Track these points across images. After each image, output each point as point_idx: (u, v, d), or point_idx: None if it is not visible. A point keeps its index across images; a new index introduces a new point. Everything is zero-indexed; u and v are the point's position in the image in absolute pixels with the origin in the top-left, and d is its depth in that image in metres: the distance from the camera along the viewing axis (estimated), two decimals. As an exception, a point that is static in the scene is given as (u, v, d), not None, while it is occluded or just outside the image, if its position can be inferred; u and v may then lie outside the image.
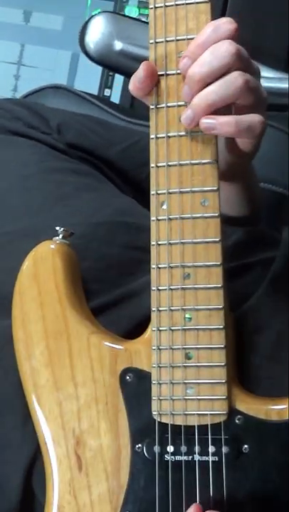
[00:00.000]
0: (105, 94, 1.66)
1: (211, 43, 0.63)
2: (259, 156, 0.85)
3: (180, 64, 0.65)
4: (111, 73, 1.65)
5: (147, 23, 1.46)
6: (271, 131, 1.17)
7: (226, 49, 0.63)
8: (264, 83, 1.25)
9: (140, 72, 0.66)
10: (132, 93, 0.67)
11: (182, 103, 0.66)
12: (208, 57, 0.63)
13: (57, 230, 0.74)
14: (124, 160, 0.96)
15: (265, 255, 0.80)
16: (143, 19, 1.63)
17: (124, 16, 1.47)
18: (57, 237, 0.74)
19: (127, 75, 1.39)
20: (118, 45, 1.26)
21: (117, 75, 1.65)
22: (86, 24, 1.28)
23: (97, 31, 1.27)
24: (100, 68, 1.61)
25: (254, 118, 0.65)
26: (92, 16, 1.27)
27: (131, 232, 0.84)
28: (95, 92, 1.65)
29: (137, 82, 0.66)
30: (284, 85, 1.23)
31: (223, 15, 1.44)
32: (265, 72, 1.27)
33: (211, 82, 0.64)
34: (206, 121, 0.64)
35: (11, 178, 0.88)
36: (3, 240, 0.83)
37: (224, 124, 0.64)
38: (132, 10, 1.67)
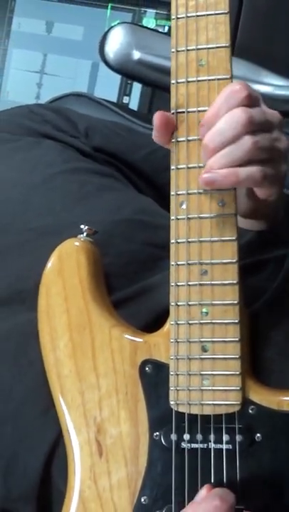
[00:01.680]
0: (124, 101, 1.67)
1: (224, 112, 0.65)
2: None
3: (200, 131, 0.67)
4: (129, 81, 1.65)
5: (164, 33, 1.47)
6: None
7: (237, 119, 0.64)
8: (275, 91, 1.26)
9: (155, 124, 0.67)
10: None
11: (202, 109, 0.67)
12: (222, 127, 0.65)
13: (81, 228, 0.75)
14: (147, 164, 0.97)
15: (279, 253, 0.80)
16: (160, 30, 1.64)
17: (142, 26, 1.48)
18: (81, 235, 0.75)
19: (145, 83, 1.39)
20: (136, 55, 1.27)
21: (135, 83, 1.65)
22: (106, 34, 1.29)
23: (117, 41, 1.27)
24: (118, 76, 1.62)
25: (252, 169, 0.65)
26: (112, 27, 1.28)
27: (149, 230, 0.85)
28: (114, 100, 1.66)
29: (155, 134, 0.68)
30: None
31: (236, 25, 1.45)
32: (276, 81, 1.27)
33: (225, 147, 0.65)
34: (207, 175, 0.65)
35: (36, 178, 0.89)
36: (27, 236, 0.84)
37: (224, 175, 0.65)
38: (149, 21, 1.68)
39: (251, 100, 0.65)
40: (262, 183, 0.67)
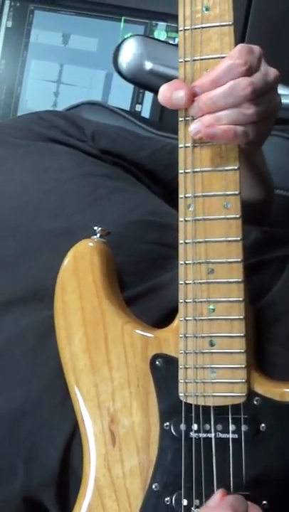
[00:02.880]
0: (136, 109, 1.67)
1: (226, 80, 0.65)
2: (273, 166, 0.86)
3: (198, 81, 0.66)
4: (141, 90, 1.65)
5: (175, 45, 1.47)
6: (284, 142, 1.18)
7: (242, 89, 0.64)
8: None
9: (181, 96, 0.67)
10: (163, 104, 0.69)
11: (208, 116, 0.67)
12: (226, 92, 0.65)
13: (95, 230, 0.75)
14: (153, 162, 0.97)
15: (281, 253, 0.80)
16: (170, 42, 1.64)
17: (153, 38, 1.48)
18: (95, 236, 0.75)
19: (156, 92, 1.39)
20: (148, 65, 1.27)
21: (147, 92, 1.65)
22: (119, 46, 1.29)
23: (129, 52, 1.27)
24: (131, 86, 1.62)
25: (248, 128, 0.66)
26: (125, 39, 1.28)
27: (159, 230, 0.85)
28: (127, 108, 1.66)
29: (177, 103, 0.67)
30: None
31: (243, 35, 1.45)
32: (281, 90, 1.27)
33: None
34: (210, 130, 0.65)
35: (49, 183, 0.89)
36: (42, 238, 0.84)
37: (224, 130, 0.65)
38: (160, 33, 1.67)
39: (252, 70, 0.65)
40: (254, 141, 0.67)
